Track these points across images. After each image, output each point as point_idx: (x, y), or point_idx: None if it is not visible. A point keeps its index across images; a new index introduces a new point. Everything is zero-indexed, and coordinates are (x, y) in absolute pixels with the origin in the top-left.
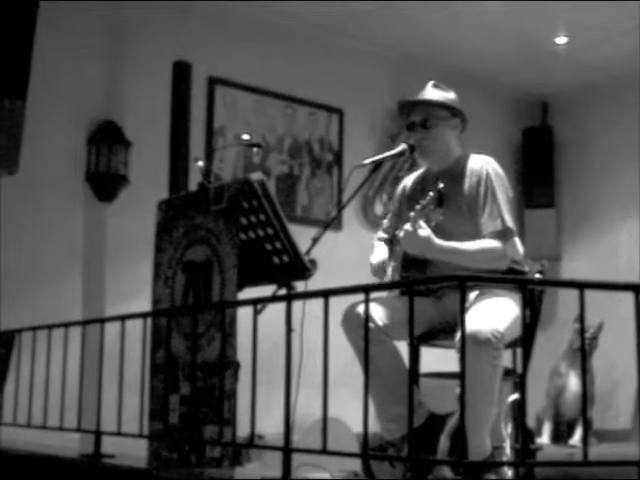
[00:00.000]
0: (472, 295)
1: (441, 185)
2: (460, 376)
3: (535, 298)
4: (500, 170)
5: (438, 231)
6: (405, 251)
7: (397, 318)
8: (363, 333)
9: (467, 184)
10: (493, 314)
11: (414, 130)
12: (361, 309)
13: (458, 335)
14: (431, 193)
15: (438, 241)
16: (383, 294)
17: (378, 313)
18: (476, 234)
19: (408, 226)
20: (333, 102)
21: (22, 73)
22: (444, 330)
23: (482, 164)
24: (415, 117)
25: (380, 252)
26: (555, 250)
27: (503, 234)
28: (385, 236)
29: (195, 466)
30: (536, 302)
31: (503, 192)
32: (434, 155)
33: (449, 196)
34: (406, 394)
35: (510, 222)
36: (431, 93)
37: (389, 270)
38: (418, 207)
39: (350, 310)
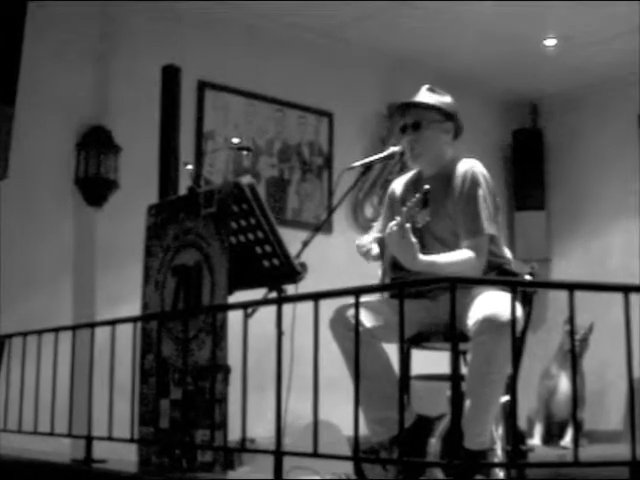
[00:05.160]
0: (472, 291)
1: (426, 186)
2: (452, 378)
3: (526, 300)
4: (485, 173)
5: (426, 232)
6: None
7: (386, 321)
8: (350, 335)
9: (452, 187)
10: (504, 301)
11: (406, 133)
12: (349, 312)
13: (470, 323)
14: (417, 195)
15: (419, 254)
16: (373, 297)
17: (366, 315)
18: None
19: (395, 224)
20: (323, 105)
21: (11, 78)
22: (437, 332)
23: (467, 168)
24: (407, 120)
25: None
26: (545, 252)
27: (479, 244)
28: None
29: (186, 471)
30: (527, 303)
31: (485, 196)
32: (425, 158)
33: (437, 199)
34: (393, 396)
35: (489, 228)
36: (425, 96)
37: (379, 271)
38: (404, 209)
39: (338, 313)
